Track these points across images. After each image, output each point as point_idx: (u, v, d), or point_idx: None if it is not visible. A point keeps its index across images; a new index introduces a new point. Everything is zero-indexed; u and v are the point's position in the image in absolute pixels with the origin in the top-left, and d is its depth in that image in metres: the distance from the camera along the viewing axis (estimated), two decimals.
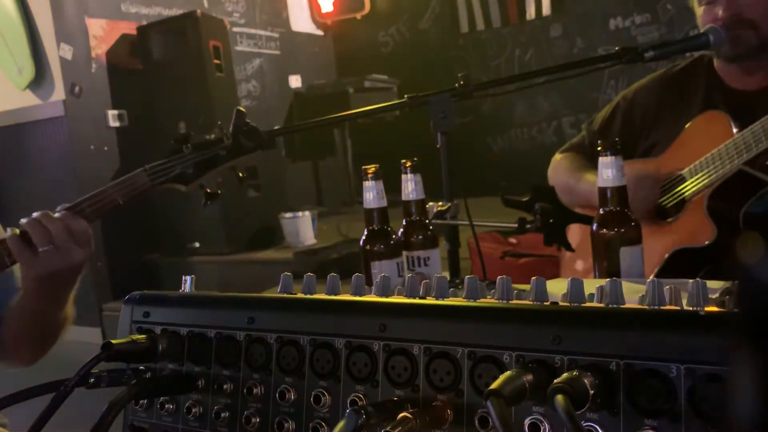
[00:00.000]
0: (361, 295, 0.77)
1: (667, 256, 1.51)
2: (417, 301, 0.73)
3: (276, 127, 1.48)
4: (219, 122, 1.31)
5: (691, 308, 0.60)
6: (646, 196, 1.55)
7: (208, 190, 1.30)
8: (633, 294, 0.67)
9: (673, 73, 1.73)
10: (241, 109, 1.28)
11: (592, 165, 1.70)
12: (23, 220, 1.20)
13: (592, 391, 0.56)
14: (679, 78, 1.71)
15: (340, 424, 0.59)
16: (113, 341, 0.80)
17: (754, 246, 0.28)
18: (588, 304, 0.65)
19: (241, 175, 1.31)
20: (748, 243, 0.29)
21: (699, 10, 1.59)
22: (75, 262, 1.21)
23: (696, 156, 1.50)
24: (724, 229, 1.43)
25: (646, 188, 1.55)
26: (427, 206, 1.24)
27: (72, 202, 1.24)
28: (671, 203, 1.57)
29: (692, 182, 1.52)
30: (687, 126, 1.58)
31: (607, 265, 1.10)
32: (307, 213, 4.76)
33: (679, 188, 1.56)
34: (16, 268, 1.30)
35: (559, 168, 1.84)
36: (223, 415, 0.79)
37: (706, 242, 1.45)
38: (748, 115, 1.47)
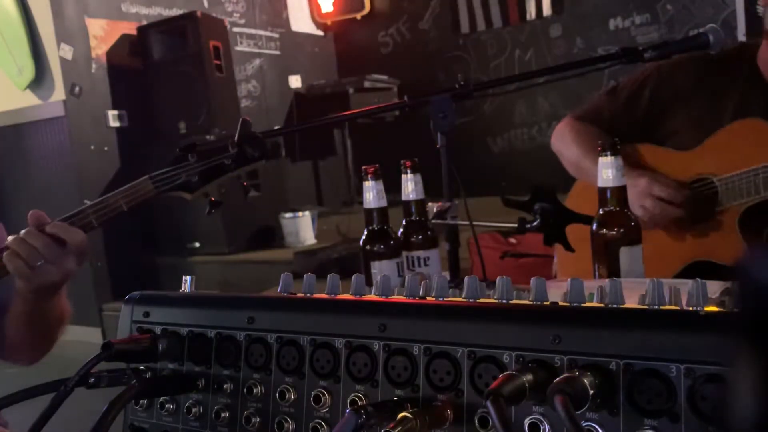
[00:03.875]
0: (361, 295, 0.77)
1: (686, 264, 1.46)
2: (417, 301, 0.73)
3: (276, 127, 1.48)
4: (224, 131, 1.32)
5: (690, 308, 0.60)
6: (673, 216, 1.47)
7: (213, 199, 1.31)
8: (633, 294, 0.67)
9: (714, 58, 1.57)
10: (247, 119, 1.29)
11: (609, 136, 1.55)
12: (10, 238, 1.20)
13: (592, 391, 0.56)
14: (719, 65, 1.58)
15: (340, 424, 0.59)
16: (113, 341, 0.80)
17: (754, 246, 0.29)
18: (588, 304, 0.65)
19: (245, 184, 1.32)
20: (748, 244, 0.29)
21: None
22: (70, 271, 1.22)
23: (730, 164, 1.44)
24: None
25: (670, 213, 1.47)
26: (427, 206, 1.24)
27: (77, 209, 1.25)
28: (696, 208, 1.49)
29: (726, 193, 1.44)
30: (723, 128, 1.50)
31: (607, 265, 1.10)
32: (307, 213, 4.76)
33: (709, 194, 1.48)
34: None
35: (569, 137, 1.71)
36: (223, 415, 0.80)
37: (734, 262, 1.41)
38: None
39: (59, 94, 4.63)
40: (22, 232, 1.20)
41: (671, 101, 1.61)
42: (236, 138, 1.25)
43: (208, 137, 4.35)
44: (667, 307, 0.62)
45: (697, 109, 1.58)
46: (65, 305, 1.38)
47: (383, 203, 1.16)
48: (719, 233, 1.47)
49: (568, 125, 1.74)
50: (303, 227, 4.69)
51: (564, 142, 1.74)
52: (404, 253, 1.19)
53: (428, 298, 0.73)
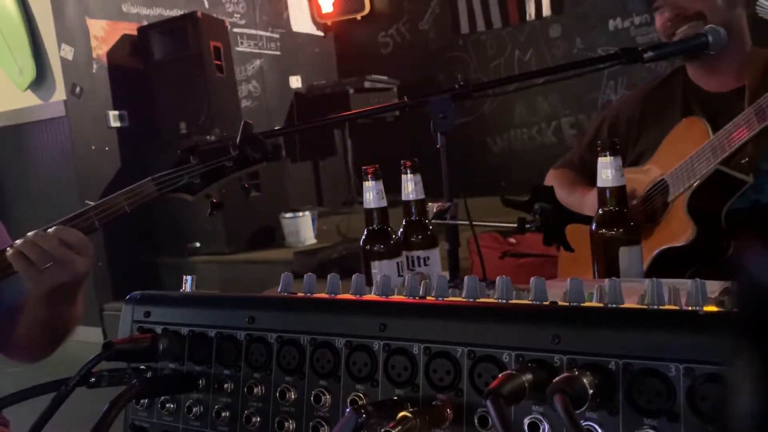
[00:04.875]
0: (361, 295, 0.77)
1: (651, 257, 1.52)
2: (417, 301, 0.73)
3: (276, 128, 1.49)
4: (225, 133, 1.33)
5: (690, 308, 0.60)
6: None
7: (214, 200, 1.31)
8: (632, 294, 0.67)
9: (653, 85, 1.80)
10: (249, 122, 1.30)
11: (581, 179, 1.82)
12: (18, 242, 1.20)
13: (592, 391, 0.56)
14: (659, 89, 1.78)
15: (341, 424, 0.60)
16: (114, 341, 0.80)
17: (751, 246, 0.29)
18: (587, 304, 0.65)
19: (246, 186, 1.32)
20: (746, 243, 0.29)
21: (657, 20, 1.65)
22: (79, 271, 1.22)
23: (678, 161, 1.54)
24: (706, 228, 1.46)
25: None
26: (427, 206, 1.24)
27: (79, 211, 1.25)
28: (657, 208, 1.60)
29: (674, 186, 1.55)
30: (667, 135, 1.63)
31: (606, 264, 1.10)
32: (307, 213, 4.76)
33: (661, 192, 1.59)
34: None
35: (552, 182, 1.92)
36: (223, 414, 0.80)
37: (686, 241, 1.47)
38: (722, 117, 1.50)
39: (60, 94, 4.64)
40: (29, 234, 1.20)
41: (629, 131, 1.79)
42: (237, 140, 1.26)
43: (208, 137, 4.35)
44: (667, 306, 0.62)
45: (651, 131, 1.73)
46: (80, 309, 1.38)
47: (383, 203, 1.16)
48: (673, 220, 1.55)
49: (550, 174, 1.96)
50: (303, 227, 4.69)
51: None
52: (404, 253, 1.19)
53: (428, 297, 0.73)
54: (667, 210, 1.56)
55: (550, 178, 1.93)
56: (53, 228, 1.21)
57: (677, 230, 1.50)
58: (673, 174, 1.54)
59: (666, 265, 1.51)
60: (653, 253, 1.54)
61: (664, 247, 1.52)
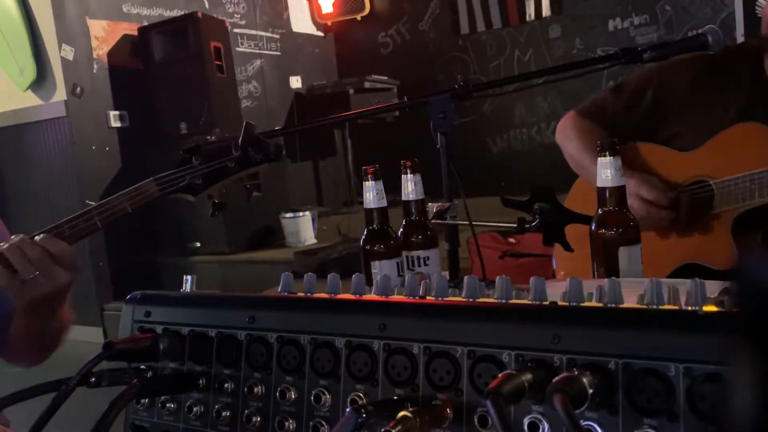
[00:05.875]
0: (361, 295, 0.77)
1: (676, 266, 1.46)
2: (417, 300, 0.73)
3: (276, 128, 1.48)
4: (227, 134, 1.32)
5: (689, 308, 0.60)
6: (661, 219, 1.48)
7: (216, 201, 1.31)
8: (632, 293, 0.67)
9: (716, 59, 1.55)
10: (251, 122, 1.29)
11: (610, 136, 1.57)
12: (2, 245, 1.16)
13: (591, 391, 0.56)
14: (721, 67, 1.57)
15: (341, 423, 0.60)
16: (115, 340, 0.80)
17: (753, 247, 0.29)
18: (587, 304, 0.65)
19: (248, 187, 1.32)
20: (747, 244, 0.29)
21: None
22: (62, 284, 1.18)
23: (729, 167, 1.43)
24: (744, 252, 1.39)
25: (659, 215, 1.47)
26: (427, 206, 1.24)
27: (82, 211, 1.25)
28: (689, 209, 1.49)
29: (721, 197, 1.43)
30: (724, 131, 1.49)
31: (606, 264, 1.10)
32: (307, 213, 4.76)
33: (704, 197, 1.48)
34: None
35: (572, 134, 1.73)
36: (224, 414, 0.80)
37: (726, 267, 1.37)
38: None
39: (60, 94, 4.64)
40: (14, 238, 1.16)
41: (672, 104, 1.62)
42: (240, 141, 1.26)
43: (209, 138, 4.36)
44: (666, 306, 0.62)
45: (699, 112, 1.58)
46: (67, 315, 1.36)
47: (383, 203, 1.16)
48: (711, 237, 1.46)
49: (572, 121, 1.76)
50: (303, 227, 4.69)
51: (566, 137, 1.76)
52: (404, 253, 1.19)
53: (428, 297, 0.73)
54: (707, 221, 1.44)
55: (572, 127, 1.74)
56: (39, 236, 1.17)
57: (717, 251, 1.40)
58: (725, 184, 1.43)
59: (687, 276, 1.44)
60: (681, 262, 1.45)
61: (695, 262, 1.43)
